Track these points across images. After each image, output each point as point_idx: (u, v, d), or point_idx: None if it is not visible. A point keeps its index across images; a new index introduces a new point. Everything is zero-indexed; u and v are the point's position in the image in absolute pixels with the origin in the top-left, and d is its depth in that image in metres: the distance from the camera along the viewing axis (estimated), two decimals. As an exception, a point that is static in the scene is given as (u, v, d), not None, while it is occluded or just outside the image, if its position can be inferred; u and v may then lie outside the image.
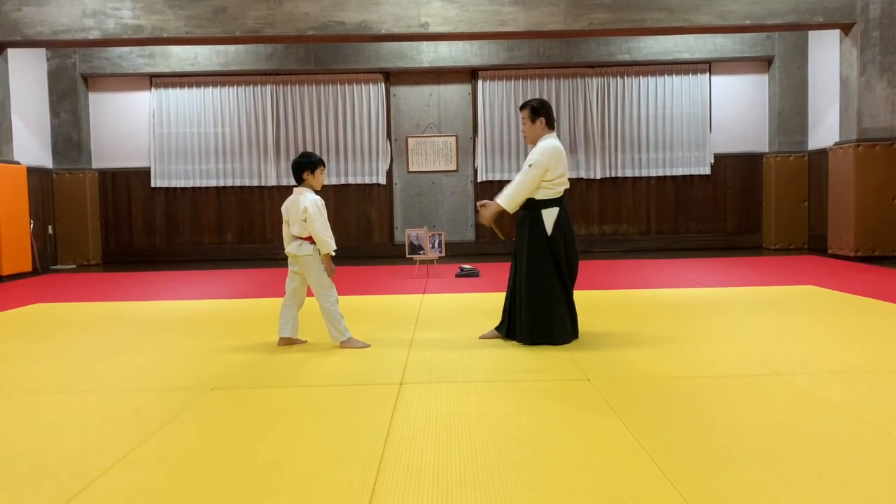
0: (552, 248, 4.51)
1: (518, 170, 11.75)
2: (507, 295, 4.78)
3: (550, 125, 4.67)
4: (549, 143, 4.55)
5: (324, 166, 4.68)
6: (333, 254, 4.55)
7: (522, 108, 4.70)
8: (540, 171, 4.48)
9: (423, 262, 9.07)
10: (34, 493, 2.38)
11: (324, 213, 4.55)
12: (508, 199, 4.54)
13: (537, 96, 11.73)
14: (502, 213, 4.87)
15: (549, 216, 4.54)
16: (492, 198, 4.73)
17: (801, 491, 2.26)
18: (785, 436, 2.76)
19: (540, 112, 4.63)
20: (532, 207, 4.58)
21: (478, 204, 4.94)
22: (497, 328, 4.80)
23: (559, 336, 4.51)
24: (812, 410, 3.09)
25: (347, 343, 4.58)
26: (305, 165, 4.60)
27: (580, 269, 4.77)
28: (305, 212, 4.46)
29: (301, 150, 11.62)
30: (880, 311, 5.59)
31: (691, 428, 2.89)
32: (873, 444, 2.68)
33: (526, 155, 4.84)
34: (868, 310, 5.65)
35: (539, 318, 4.50)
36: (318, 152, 11.61)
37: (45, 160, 11.30)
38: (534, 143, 4.68)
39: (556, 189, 4.55)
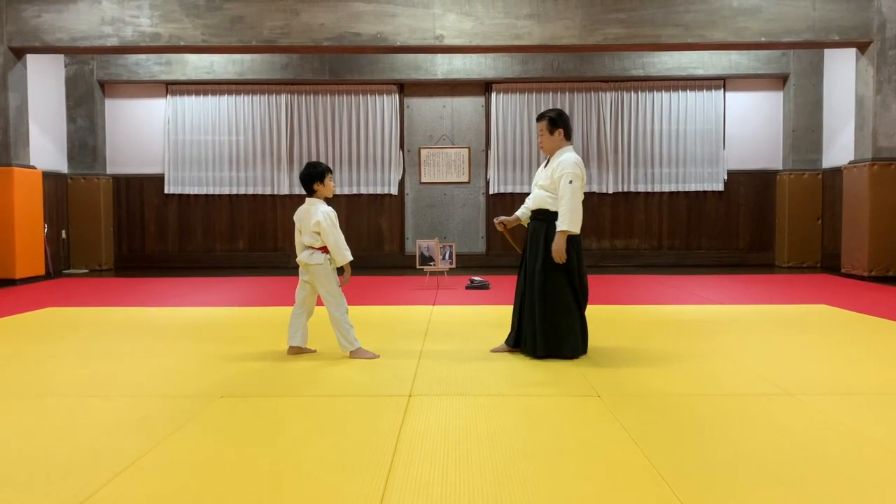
0: (566, 261, 4.49)
1: (530, 182, 11.75)
2: (514, 306, 4.76)
3: (568, 136, 4.64)
4: (575, 157, 4.52)
5: (331, 173, 4.70)
6: (348, 275, 4.61)
7: (540, 118, 4.64)
8: (581, 183, 4.46)
9: (433, 273, 9.07)
10: (44, 496, 2.38)
11: (337, 225, 4.56)
12: (572, 223, 4.40)
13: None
14: (516, 227, 4.87)
15: None
16: (504, 211, 4.72)
17: (813, 513, 2.23)
18: (797, 457, 2.73)
19: (558, 123, 4.59)
20: (546, 219, 4.55)
21: (495, 221, 4.92)
22: (507, 340, 4.78)
23: (570, 350, 4.49)
24: (824, 431, 3.05)
25: (357, 353, 4.57)
26: (315, 176, 4.61)
27: (590, 284, 4.75)
28: (318, 225, 4.48)
29: (314, 159, 11.68)
30: (894, 331, 5.53)
31: (702, 446, 2.86)
32: (886, 466, 2.64)
33: (538, 167, 4.81)
34: (882, 330, 5.59)
35: (552, 331, 4.47)
36: (330, 162, 11.70)
37: (60, 165, 11.40)
38: (551, 154, 4.65)
39: None
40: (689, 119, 11.86)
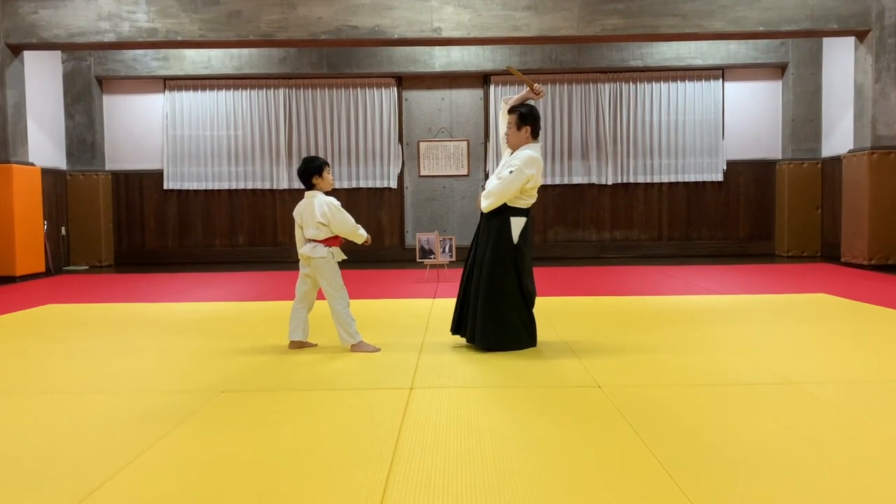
0: (515, 256, 4.51)
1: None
2: (459, 292, 4.74)
3: (535, 135, 4.63)
4: (533, 154, 4.52)
5: (328, 167, 4.72)
6: (368, 240, 4.75)
7: (511, 111, 4.64)
8: (522, 179, 4.44)
9: (433, 266, 9.07)
10: (46, 493, 2.39)
11: (342, 209, 4.61)
12: (486, 203, 4.53)
13: (549, 102, 11.74)
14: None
15: (518, 224, 4.53)
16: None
17: (814, 502, 2.24)
18: (798, 445, 2.74)
19: (527, 120, 4.59)
20: (501, 213, 4.55)
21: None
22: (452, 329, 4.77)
23: (513, 343, 4.52)
24: (825, 420, 3.06)
25: (358, 347, 4.58)
26: (313, 170, 4.62)
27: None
28: (325, 216, 4.50)
29: (313, 153, 11.67)
30: (894, 319, 5.54)
31: (703, 436, 2.86)
32: (887, 454, 2.65)
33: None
34: (882, 318, 5.60)
35: (495, 324, 4.48)
36: (329, 156, 11.68)
37: (59, 162, 11.39)
38: (514, 149, 4.65)
39: (529, 200, 4.57)
40: (687, 109, 11.84)
